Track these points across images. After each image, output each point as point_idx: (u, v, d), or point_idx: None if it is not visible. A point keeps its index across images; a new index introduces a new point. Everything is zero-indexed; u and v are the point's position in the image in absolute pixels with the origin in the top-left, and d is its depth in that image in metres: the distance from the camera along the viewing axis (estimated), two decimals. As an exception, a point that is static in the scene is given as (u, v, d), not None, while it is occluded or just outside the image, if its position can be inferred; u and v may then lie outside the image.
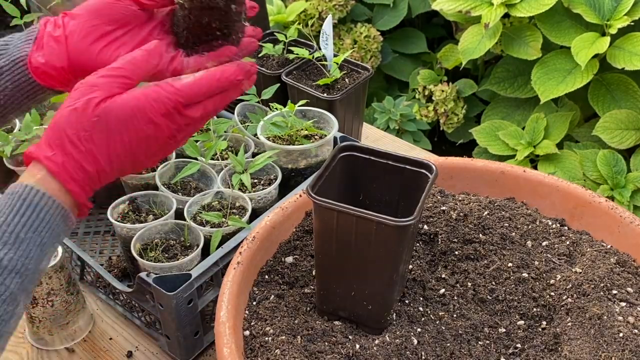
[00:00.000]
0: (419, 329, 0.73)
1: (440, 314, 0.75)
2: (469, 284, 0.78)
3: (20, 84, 0.69)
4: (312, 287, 0.79)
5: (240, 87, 0.66)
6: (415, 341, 0.72)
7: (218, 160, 1.06)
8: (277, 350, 0.70)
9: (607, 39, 1.48)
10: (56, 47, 0.67)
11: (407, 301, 0.77)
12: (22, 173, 0.60)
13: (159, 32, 0.70)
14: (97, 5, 0.68)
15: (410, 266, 0.80)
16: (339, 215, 0.67)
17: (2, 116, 0.72)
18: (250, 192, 1.02)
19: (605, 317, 0.71)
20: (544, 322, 0.75)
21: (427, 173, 0.72)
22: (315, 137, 1.09)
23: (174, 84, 0.61)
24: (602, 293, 0.74)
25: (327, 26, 1.21)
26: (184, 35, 0.67)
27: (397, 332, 0.73)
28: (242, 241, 0.82)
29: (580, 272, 0.77)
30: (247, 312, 0.76)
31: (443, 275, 0.79)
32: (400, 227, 0.64)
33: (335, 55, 1.24)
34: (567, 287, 0.76)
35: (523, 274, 0.78)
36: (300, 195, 0.87)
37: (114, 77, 0.61)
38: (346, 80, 1.22)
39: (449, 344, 0.72)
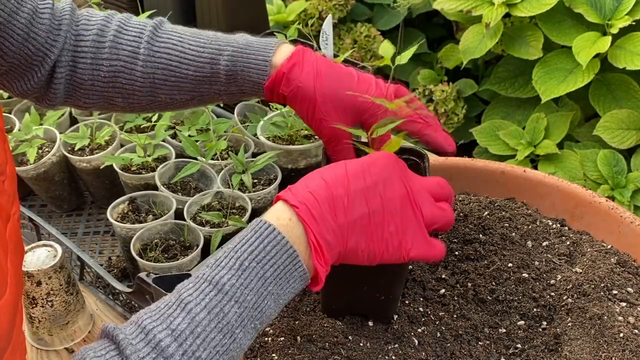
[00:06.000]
0: (419, 329, 0.73)
1: (440, 314, 0.75)
2: (469, 284, 0.78)
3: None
4: (312, 288, 0.79)
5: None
6: (416, 341, 0.72)
7: (218, 160, 1.06)
8: (277, 351, 0.70)
9: (609, 38, 1.48)
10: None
11: (407, 301, 0.77)
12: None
13: None
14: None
15: (411, 266, 0.79)
16: None
17: (190, 103, 0.84)
18: (250, 192, 1.02)
19: (605, 317, 0.71)
20: (545, 323, 0.75)
21: (417, 160, 0.76)
22: (315, 137, 1.09)
23: None
24: (602, 293, 0.74)
25: (327, 26, 1.20)
26: None
27: (398, 333, 0.73)
28: (241, 241, 0.81)
29: (581, 272, 0.77)
30: (246, 312, 0.76)
31: (443, 276, 0.79)
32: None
33: (335, 55, 1.24)
34: (568, 287, 0.76)
35: (523, 274, 0.78)
36: (300, 195, 0.86)
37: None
38: (346, 80, 1.21)
39: (449, 344, 0.72)
